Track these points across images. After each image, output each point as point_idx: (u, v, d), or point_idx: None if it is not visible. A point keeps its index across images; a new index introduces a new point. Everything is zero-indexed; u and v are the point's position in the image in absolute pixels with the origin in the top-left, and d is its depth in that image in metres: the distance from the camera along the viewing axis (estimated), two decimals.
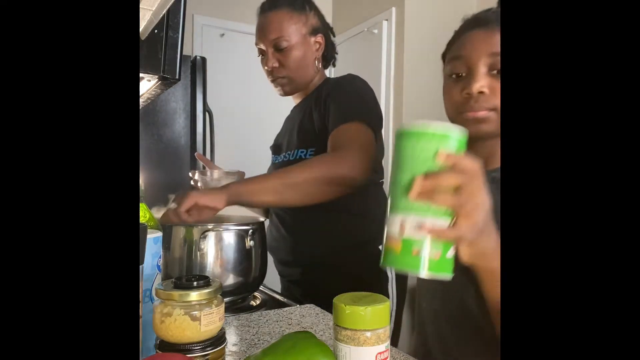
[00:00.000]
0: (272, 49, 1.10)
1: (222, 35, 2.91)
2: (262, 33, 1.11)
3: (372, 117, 1.02)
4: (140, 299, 0.53)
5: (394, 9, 2.68)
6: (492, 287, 0.56)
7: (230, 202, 0.89)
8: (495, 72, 0.66)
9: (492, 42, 0.66)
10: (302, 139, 1.11)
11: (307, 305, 0.92)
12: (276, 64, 1.11)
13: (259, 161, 1.43)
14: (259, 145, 1.38)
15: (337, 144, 0.97)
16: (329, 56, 1.18)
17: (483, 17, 0.70)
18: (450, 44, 0.75)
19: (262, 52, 1.14)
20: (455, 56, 0.70)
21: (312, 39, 1.13)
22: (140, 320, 0.53)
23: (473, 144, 0.70)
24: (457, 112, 0.70)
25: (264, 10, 1.12)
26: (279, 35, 1.08)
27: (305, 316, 0.85)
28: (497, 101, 0.66)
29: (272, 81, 1.15)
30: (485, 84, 0.66)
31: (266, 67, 1.13)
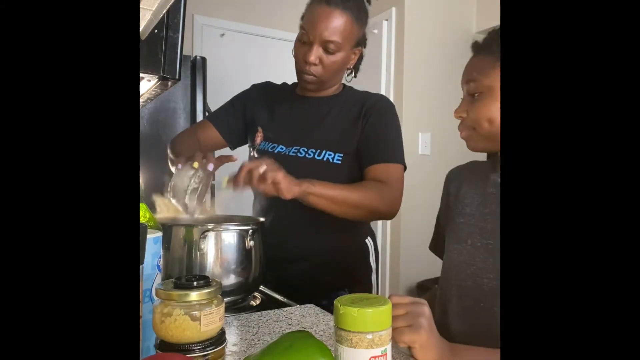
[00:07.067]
0: (320, 46, 1.05)
1: (222, 35, 2.91)
2: (317, 26, 1.03)
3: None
4: (140, 299, 0.53)
5: (394, 9, 2.68)
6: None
7: (298, 196, 0.93)
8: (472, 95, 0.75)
9: (469, 69, 0.76)
10: (332, 142, 1.10)
11: (307, 305, 0.92)
12: (317, 62, 1.06)
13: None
14: None
15: (386, 179, 1.06)
16: (357, 66, 1.18)
17: (478, 45, 0.78)
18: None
19: (305, 41, 1.06)
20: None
21: (354, 50, 1.12)
22: (140, 320, 0.53)
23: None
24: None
25: (329, 2, 1.03)
26: (335, 40, 1.04)
27: (306, 316, 0.85)
28: (472, 122, 0.74)
29: (302, 72, 1.09)
30: (464, 109, 0.75)
31: (303, 58, 1.07)
